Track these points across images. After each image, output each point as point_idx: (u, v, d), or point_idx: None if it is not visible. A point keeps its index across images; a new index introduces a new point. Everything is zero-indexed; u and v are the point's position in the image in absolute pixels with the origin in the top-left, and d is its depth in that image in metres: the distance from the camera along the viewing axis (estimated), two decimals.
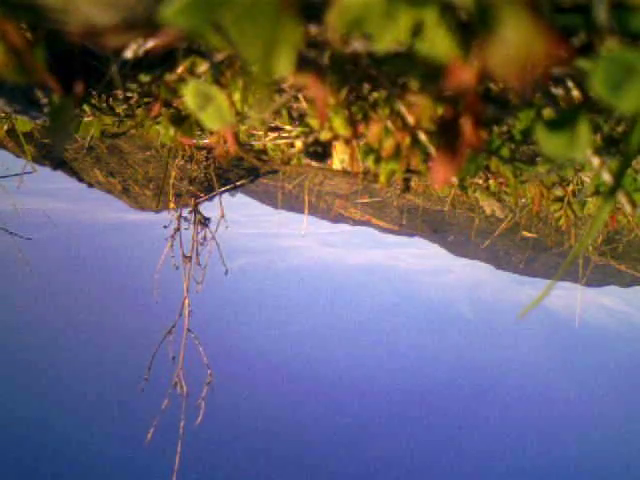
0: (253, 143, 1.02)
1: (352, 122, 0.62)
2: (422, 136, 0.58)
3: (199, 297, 2.10)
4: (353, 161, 0.74)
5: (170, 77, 0.63)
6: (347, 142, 0.71)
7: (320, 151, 0.78)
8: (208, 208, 2.28)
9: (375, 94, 0.59)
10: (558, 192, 1.09)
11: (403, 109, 0.55)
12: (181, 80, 0.62)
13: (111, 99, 0.81)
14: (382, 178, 0.72)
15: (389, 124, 0.59)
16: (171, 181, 2.37)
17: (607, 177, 0.45)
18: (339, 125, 0.64)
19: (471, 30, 0.29)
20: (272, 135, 0.96)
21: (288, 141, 0.95)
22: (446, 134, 0.40)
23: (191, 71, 0.60)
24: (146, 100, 0.79)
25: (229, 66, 0.58)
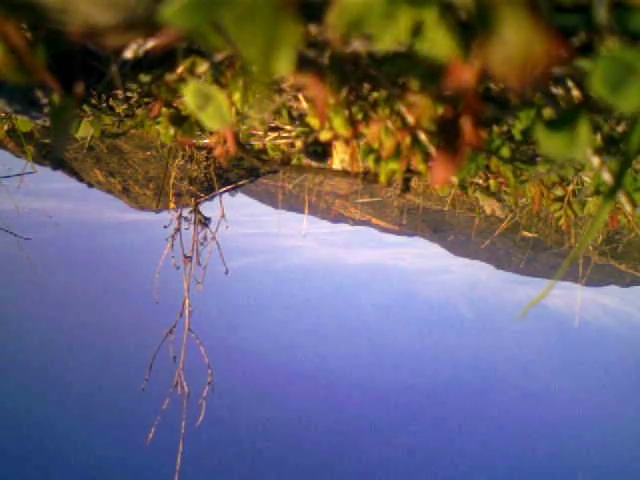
0: (253, 143, 1.02)
1: (352, 122, 0.62)
2: (422, 136, 0.58)
3: (200, 297, 2.10)
4: (353, 161, 0.74)
5: (170, 77, 0.63)
6: (347, 142, 0.71)
7: (320, 151, 0.78)
8: (208, 208, 2.28)
9: (375, 94, 0.59)
10: (558, 192, 1.09)
11: (403, 109, 0.55)
12: (181, 80, 0.62)
13: (111, 99, 0.81)
14: (382, 178, 0.72)
15: (389, 124, 0.59)
16: (171, 181, 2.38)
17: (607, 177, 0.45)
18: (339, 125, 0.64)
19: (471, 30, 0.29)
20: (272, 135, 0.96)
21: (288, 141, 0.95)
22: (446, 134, 0.40)
23: (191, 71, 0.60)
24: (146, 100, 0.79)
25: (229, 66, 0.58)
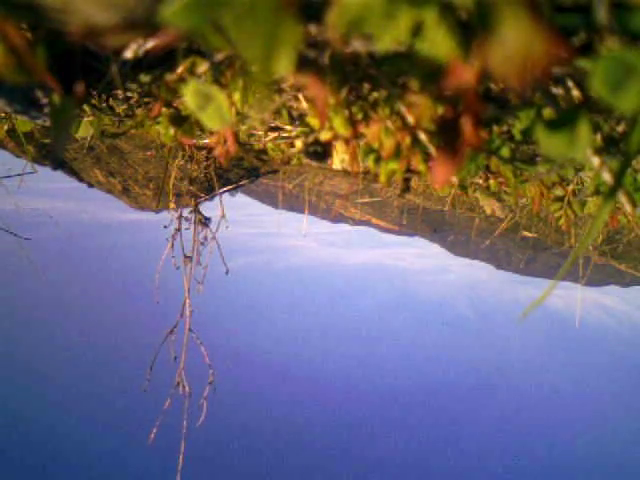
0: (253, 143, 1.02)
1: (352, 122, 0.62)
2: (422, 136, 0.58)
3: (200, 297, 2.10)
4: (353, 161, 0.74)
5: (170, 77, 0.63)
6: (347, 142, 0.71)
7: (320, 151, 0.78)
8: (208, 208, 2.28)
9: (375, 94, 0.59)
10: (558, 192, 1.09)
11: (403, 109, 0.55)
12: (181, 80, 0.62)
13: (111, 99, 0.81)
14: (382, 178, 0.72)
15: (389, 124, 0.59)
16: (171, 181, 2.38)
17: (607, 177, 0.45)
18: (339, 125, 0.64)
19: (471, 30, 0.29)
20: (272, 135, 0.96)
21: (288, 141, 0.95)
22: (446, 134, 0.40)
23: (191, 71, 0.60)
24: (146, 100, 0.79)
25: (229, 66, 0.58)
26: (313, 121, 0.75)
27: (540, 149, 0.38)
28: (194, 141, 0.91)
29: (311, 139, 0.78)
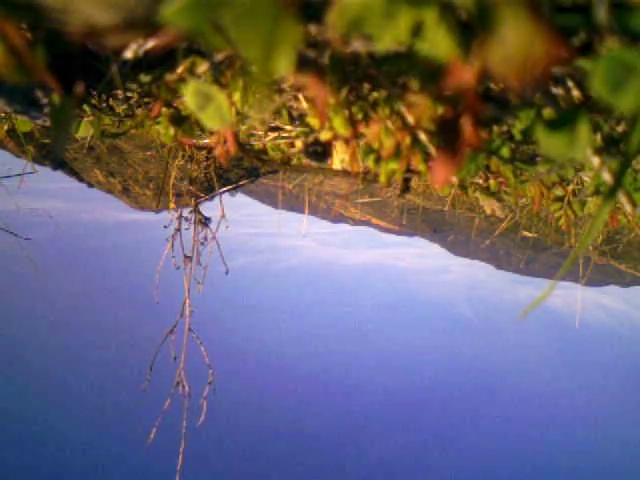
0: (253, 143, 1.02)
1: (352, 122, 0.62)
2: (422, 136, 0.58)
3: (200, 297, 2.10)
4: (353, 161, 0.74)
5: (170, 77, 0.63)
6: (347, 142, 0.71)
7: (320, 151, 0.78)
8: (208, 208, 2.28)
9: (375, 94, 0.59)
10: (558, 192, 1.09)
11: (403, 109, 0.55)
12: (181, 80, 0.62)
13: (111, 99, 0.81)
14: (382, 178, 0.72)
15: (389, 124, 0.59)
16: (171, 181, 2.38)
17: (607, 177, 0.45)
18: (339, 125, 0.64)
19: (471, 30, 0.29)
20: (272, 135, 0.96)
21: (288, 141, 0.95)
22: (446, 134, 0.40)
23: (191, 71, 0.60)
24: (146, 100, 0.79)
25: (229, 66, 0.58)
26: (313, 121, 0.75)
27: (540, 149, 0.38)
28: (194, 141, 0.91)
29: (311, 139, 0.78)
